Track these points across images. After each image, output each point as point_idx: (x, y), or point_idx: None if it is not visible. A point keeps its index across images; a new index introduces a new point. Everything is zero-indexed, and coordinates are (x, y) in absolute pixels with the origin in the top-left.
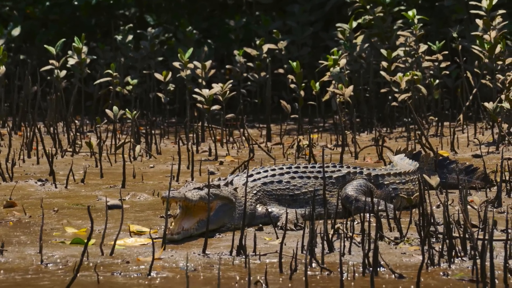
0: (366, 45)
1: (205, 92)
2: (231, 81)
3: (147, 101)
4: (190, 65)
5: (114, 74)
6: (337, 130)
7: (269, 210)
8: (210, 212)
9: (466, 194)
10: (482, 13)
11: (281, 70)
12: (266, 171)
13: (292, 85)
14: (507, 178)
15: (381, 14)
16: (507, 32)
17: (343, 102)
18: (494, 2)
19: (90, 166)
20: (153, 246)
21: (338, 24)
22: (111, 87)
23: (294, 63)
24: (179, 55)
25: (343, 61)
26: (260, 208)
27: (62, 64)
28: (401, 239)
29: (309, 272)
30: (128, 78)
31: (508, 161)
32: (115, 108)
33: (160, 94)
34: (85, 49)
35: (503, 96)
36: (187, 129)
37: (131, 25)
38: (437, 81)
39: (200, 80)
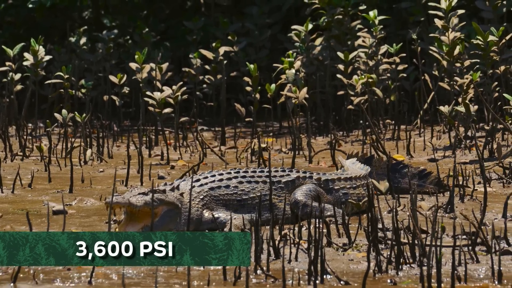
0: (319, 47)
1: (157, 95)
2: (181, 83)
3: (102, 104)
4: (147, 67)
5: (66, 76)
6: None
7: (216, 215)
8: (155, 218)
9: (416, 199)
10: (440, 14)
11: (235, 73)
12: (214, 175)
13: (248, 88)
14: (461, 182)
15: (340, 17)
16: (466, 35)
17: (299, 105)
18: (453, 4)
19: (39, 171)
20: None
21: (293, 27)
22: (62, 90)
23: (252, 66)
24: (136, 56)
25: (297, 63)
26: (206, 214)
27: (18, 66)
28: (350, 245)
29: (254, 280)
30: (83, 81)
31: (462, 166)
32: (64, 111)
33: (114, 97)
34: (42, 50)
35: (459, 99)
36: (140, 133)
37: (85, 27)
38: (395, 83)
39: (155, 83)
